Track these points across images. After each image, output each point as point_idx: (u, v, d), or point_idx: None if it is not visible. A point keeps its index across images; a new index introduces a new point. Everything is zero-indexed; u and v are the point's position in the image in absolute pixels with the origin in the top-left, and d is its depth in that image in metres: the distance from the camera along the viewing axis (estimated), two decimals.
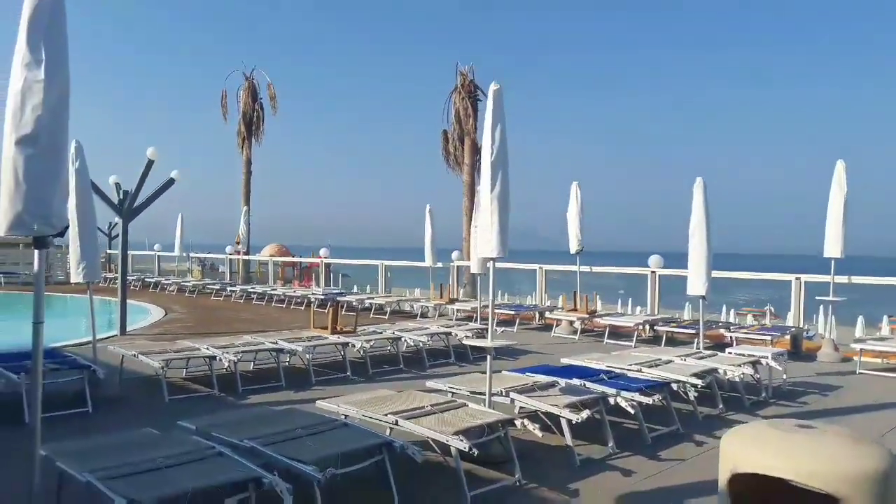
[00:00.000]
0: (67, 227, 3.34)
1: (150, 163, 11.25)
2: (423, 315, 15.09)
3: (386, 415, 4.95)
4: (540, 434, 4.86)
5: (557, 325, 12.72)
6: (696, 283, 8.25)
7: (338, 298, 16.36)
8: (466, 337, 9.52)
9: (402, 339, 9.52)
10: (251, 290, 18.82)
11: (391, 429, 4.99)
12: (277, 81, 29.01)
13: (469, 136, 20.88)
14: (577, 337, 12.12)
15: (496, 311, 13.27)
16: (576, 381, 6.12)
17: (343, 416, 5.14)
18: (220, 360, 7.66)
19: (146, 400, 7.28)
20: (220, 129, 27.73)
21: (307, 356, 8.38)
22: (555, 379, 6.12)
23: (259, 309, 17.00)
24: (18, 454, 5.46)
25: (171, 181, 12.04)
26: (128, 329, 11.95)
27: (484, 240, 5.48)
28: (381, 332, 9.76)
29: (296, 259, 26.28)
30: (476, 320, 12.00)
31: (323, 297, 16.77)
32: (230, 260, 24.38)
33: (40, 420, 6.17)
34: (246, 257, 24.92)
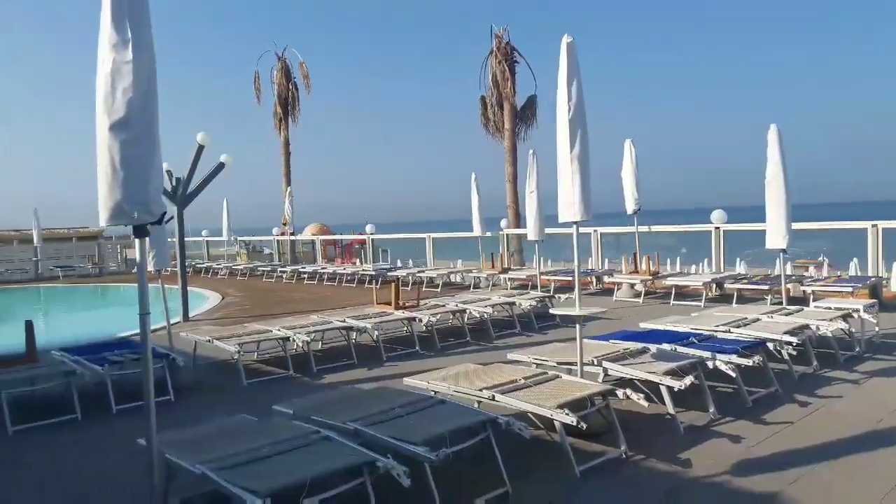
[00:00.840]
0: (164, 213, 3.21)
1: (201, 148, 11.20)
2: (476, 286, 14.95)
3: (480, 390, 4.81)
4: (646, 404, 4.64)
5: (618, 289, 12.42)
6: (776, 237, 7.88)
7: (388, 273, 16.33)
8: (540, 306, 9.32)
9: (467, 311, 9.37)
10: (302, 270, 18.89)
11: (478, 402, 4.84)
12: (311, 59, 28.81)
13: (508, 100, 20.37)
14: (640, 300, 11.82)
15: (550, 277, 13.05)
16: (666, 346, 5.88)
17: (433, 393, 5.01)
18: (293, 340, 7.62)
19: (224, 385, 7.29)
20: (256, 112, 27.75)
21: (376, 333, 8.30)
22: (644, 345, 5.89)
23: (311, 288, 17.07)
24: (113, 444, 5.52)
25: (220, 165, 12.00)
26: (190, 315, 12.06)
27: (565, 202, 5.22)
28: (443, 305, 9.63)
29: (338, 237, 26.34)
30: (536, 288, 11.78)
31: (374, 273, 16.73)
32: (278, 241, 24.53)
33: (127, 409, 6.23)
34: (292, 238, 25.04)
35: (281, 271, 19.61)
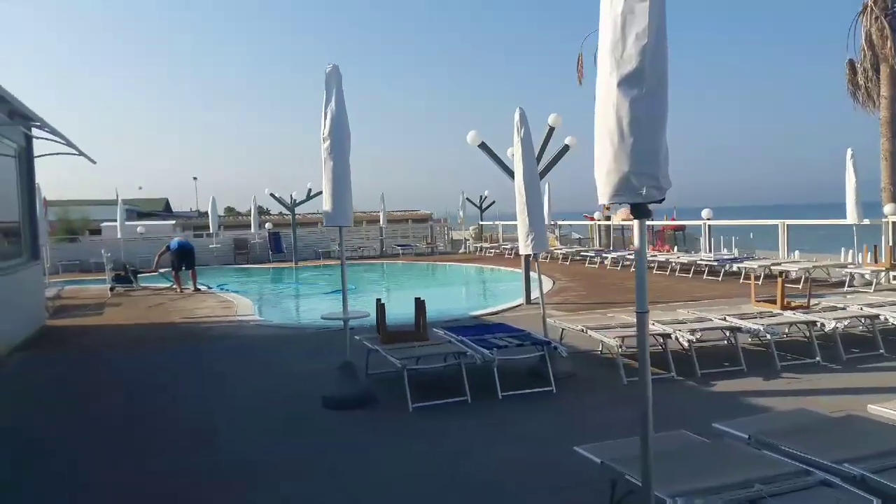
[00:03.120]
0: (668, 188, 2.59)
1: (551, 130, 10.99)
2: (850, 284, 12.47)
3: None
4: None
5: None
6: None
7: (733, 264, 14.61)
8: None
9: (881, 317, 7.53)
10: (628, 257, 18.00)
11: None
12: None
13: (887, 62, 16.64)
14: None
15: None
16: None
17: None
18: (675, 338, 6.80)
19: (599, 379, 6.81)
20: (574, 93, 27.50)
21: (768, 336, 7.04)
22: None
23: None
24: (510, 434, 5.33)
25: (566, 148, 11.69)
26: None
27: None
28: (843, 308, 7.90)
29: (653, 222, 24.83)
30: None
31: (714, 263, 15.11)
32: (599, 226, 24.04)
33: (512, 397, 6.05)
34: (604, 223, 24.34)
35: (603, 257, 18.97)
